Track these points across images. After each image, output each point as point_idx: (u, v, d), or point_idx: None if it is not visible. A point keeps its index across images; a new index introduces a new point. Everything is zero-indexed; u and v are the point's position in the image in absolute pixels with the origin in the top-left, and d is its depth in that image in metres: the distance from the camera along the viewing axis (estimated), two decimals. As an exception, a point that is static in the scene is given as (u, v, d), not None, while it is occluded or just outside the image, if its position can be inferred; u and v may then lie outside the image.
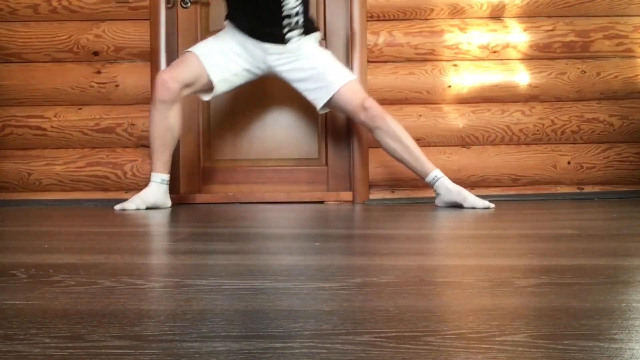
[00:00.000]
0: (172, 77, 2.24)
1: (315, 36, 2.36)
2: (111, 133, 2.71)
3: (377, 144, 2.39)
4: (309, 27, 2.31)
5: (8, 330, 0.57)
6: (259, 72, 2.38)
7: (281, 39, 2.27)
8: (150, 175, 2.31)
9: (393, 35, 2.70)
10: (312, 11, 2.74)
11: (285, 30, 2.26)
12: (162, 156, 2.30)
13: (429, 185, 2.32)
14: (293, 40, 2.28)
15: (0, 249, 1.24)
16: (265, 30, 2.27)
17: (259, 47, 2.29)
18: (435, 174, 2.27)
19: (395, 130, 2.29)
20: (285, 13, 2.23)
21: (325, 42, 2.77)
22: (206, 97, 2.38)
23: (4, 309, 0.66)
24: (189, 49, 2.35)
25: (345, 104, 2.32)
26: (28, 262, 1.00)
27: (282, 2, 2.21)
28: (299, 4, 2.25)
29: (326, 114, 2.75)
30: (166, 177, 2.31)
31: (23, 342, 0.53)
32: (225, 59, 2.30)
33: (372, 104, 2.29)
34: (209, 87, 2.33)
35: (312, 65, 2.31)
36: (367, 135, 2.57)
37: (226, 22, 2.37)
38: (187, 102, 2.82)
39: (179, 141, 2.76)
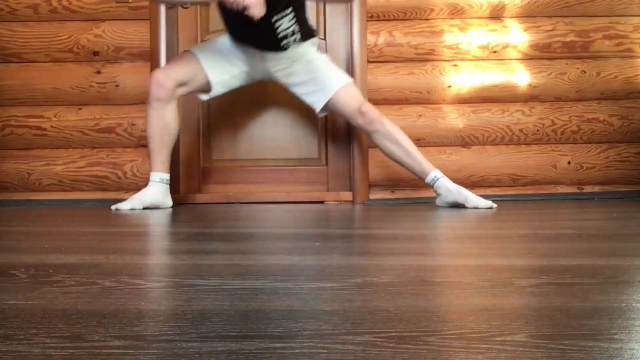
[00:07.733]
0: (166, 76, 2.25)
1: (313, 41, 2.36)
2: (111, 133, 2.71)
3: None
4: (306, 34, 2.31)
5: (8, 330, 0.57)
6: (257, 75, 2.39)
7: (279, 48, 2.28)
8: (149, 175, 2.31)
9: (393, 35, 2.70)
10: (312, 12, 2.74)
11: (283, 43, 2.26)
12: (160, 155, 2.29)
13: (429, 186, 2.32)
14: (291, 47, 2.28)
15: (0, 249, 1.24)
16: (264, 45, 2.28)
17: (257, 52, 2.30)
18: (434, 174, 2.28)
19: (394, 134, 2.30)
20: (281, 35, 2.23)
21: (325, 42, 2.77)
22: (204, 97, 2.38)
23: (4, 309, 0.66)
24: (188, 49, 2.36)
25: (343, 107, 2.33)
26: (28, 262, 1.00)
27: (276, 27, 2.20)
28: (294, 23, 2.23)
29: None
30: (165, 176, 2.30)
31: (23, 342, 0.53)
32: (224, 60, 2.31)
33: (368, 108, 2.31)
34: (206, 88, 2.33)
35: (309, 69, 2.33)
36: (367, 136, 2.57)
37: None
38: (187, 102, 2.83)
39: (178, 140, 2.78)
